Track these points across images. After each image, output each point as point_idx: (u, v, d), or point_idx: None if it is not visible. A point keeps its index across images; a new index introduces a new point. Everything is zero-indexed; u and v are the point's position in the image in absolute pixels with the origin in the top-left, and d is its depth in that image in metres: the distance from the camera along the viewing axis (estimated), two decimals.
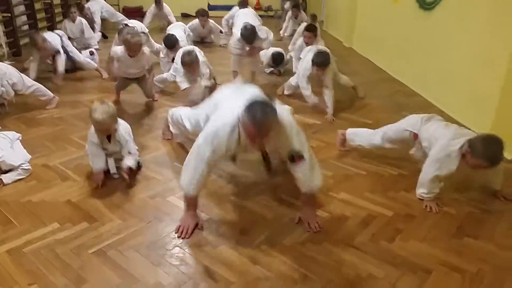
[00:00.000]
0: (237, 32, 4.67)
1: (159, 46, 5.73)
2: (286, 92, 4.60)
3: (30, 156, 3.08)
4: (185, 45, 5.20)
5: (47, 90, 4.19)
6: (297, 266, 2.07)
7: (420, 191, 2.63)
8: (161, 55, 5.30)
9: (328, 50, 4.21)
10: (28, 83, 4.02)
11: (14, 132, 3.31)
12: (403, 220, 2.47)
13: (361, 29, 7.27)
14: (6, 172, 2.80)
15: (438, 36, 4.50)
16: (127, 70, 4.00)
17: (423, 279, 2.01)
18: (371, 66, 6.32)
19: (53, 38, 4.83)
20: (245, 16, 4.98)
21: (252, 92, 2.39)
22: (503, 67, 3.32)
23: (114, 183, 2.79)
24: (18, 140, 3.25)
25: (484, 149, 2.30)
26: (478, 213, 2.56)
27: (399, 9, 5.56)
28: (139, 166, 2.95)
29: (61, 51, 4.80)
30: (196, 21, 7.23)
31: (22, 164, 2.85)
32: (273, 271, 2.04)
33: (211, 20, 7.25)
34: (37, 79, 4.41)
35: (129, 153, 2.79)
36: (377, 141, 3.04)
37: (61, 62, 4.78)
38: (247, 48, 4.68)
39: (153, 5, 8.25)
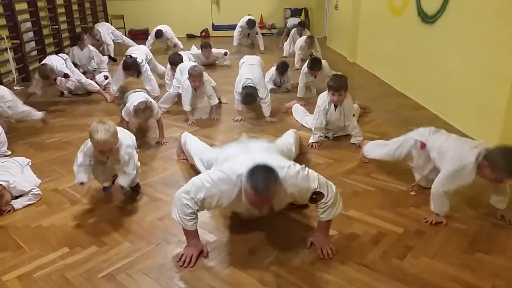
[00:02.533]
0: (239, 87, 4.48)
1: (164, 68, 5.80)
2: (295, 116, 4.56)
3: (39, 181, 3.12)
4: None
5: (35, 111, 4.16)
6: (307, 287, 2.05)
7: (433, 208, 2.55)
8: (166, 76, 5.36)
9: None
10: (20, 108, 4.02)
11: (24, 158, 3.36)
12: (414, 236, 2.44)
13: (364, 44, 7.33)
14: (16, 197, 2.83)
15: (441, 49, 4.51)
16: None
17: None
18: (376, 81, 6.34)
19: (57, 62, 4.90)
20: (249, 71, 4.63)
21: (258, 148, 2.42)
22: (508, 78, 3.32)
23: (122, 205, 2.80)
24: (28, 166, 3.29)
25: (506, 161, 2.23)
26: (489, 228, 2.52)
27: (401, 23, 5.61)
28: (137, 187, 2.93)
29: (71, 74, 4.84)
30: (199, 51, 7.26)
31: (32, 189, 2.88)
32: None
33: (213, 50, 7.29)
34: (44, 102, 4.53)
35: (124, 172, 2.70)
36: (388, 153, 3.10)
37: (71, 83, 4.88)
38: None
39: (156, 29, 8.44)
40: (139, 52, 5.60)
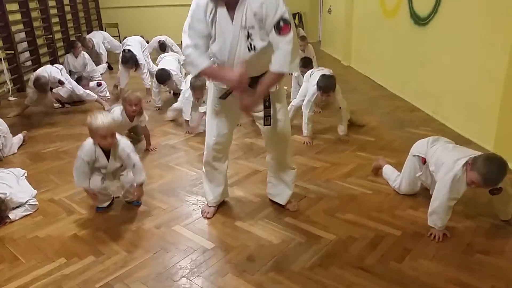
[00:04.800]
0: None
1: (156, 68, 5.79)
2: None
3: (36, 192, 3.10)
4: (178, 77, 5.27)
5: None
6: None
7: (434, 220, 2.44)
8: (154, 90, 5.23)
9: (331, 71, 4.18)
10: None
11: (19, 169, 3.34)
12: (412, 239, 2.44)
13: (358, 48, 7.36)
14: (13, 209, 2.81)
15: (434, 50, 4.54)
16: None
17: None
18: (371, 84, 6.36)
19: (52, 69, 4.97)
20: None
21: None
22: (501, 77, 3.34)
23: (119, 214, 2.79)
24: (24, 177, 3.27)
25: (483, 166, 2.21)
26: (487, 228, 2.52)
27: (394, 26, 5.64)
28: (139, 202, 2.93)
29: (65, 82, 4.93)
30: None
31: (29, 200, 2.86)
32: None
33: None
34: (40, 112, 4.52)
35: (134, 166, 2.71)
36: (398, 185, 2.96)
37: (65, 90, 4.97)
38: None
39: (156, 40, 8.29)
40: (134, 42, 6.00)
